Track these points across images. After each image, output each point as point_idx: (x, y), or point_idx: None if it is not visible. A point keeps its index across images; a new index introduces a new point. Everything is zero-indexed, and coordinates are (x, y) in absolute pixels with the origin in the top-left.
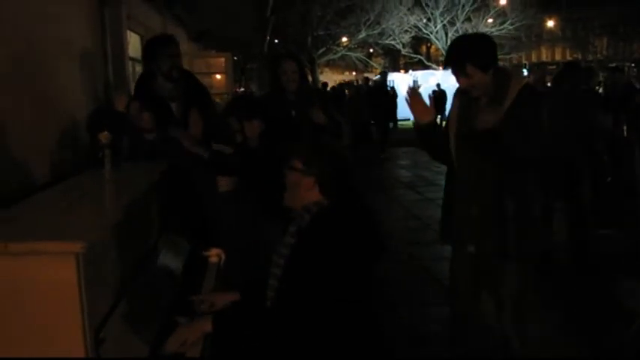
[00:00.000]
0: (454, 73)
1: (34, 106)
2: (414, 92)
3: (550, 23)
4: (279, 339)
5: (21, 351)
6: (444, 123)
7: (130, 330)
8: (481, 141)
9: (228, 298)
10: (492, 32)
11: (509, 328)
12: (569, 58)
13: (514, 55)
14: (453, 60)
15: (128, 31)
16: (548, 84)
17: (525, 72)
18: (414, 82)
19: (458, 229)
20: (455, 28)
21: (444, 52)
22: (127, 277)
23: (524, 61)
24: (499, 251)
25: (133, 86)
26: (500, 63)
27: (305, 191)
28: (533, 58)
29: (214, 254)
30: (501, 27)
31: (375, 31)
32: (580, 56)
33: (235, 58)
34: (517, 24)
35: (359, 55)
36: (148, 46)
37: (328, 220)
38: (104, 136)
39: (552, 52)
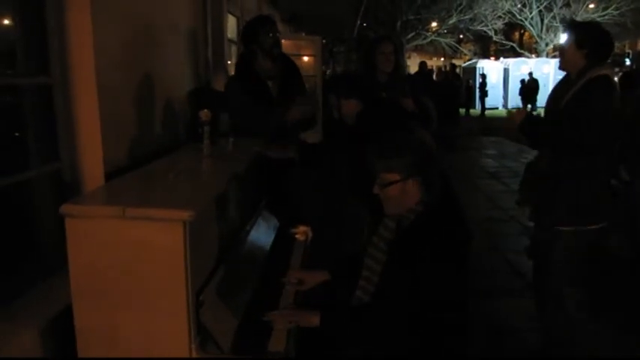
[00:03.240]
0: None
1: (143, 83)
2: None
3: None
4: (379, 338)
5: (130, 305)
6: (534, 112)
7: (225, 295)
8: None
9: (318, 278)
10: (594, 18)
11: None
12: None
13: (617, 44)
14: (567, 22)
15: (227, 14)
16: None
17: (628, 62)
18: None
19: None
20: (552, 14)
21: (538, 40)
22: (224, 247)
23: (627, 50)
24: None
25: (230, 66)
26: None
27: (412, 194)
28: (639, 47)
29: (302, 232)
30: (604, 12)
31: (466, 17)
32: None
33: (324, 40)
34: (623, 8)
35: (449, 40)
36: (248, 27)
37: (433, 220)
38: (204, 114)
39: None
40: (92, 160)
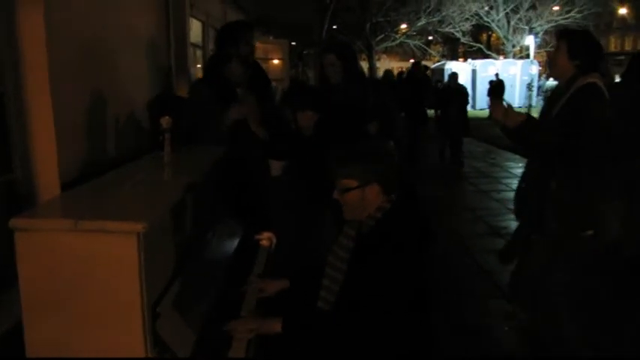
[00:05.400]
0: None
1: (100, 91)
2: (494, 94)
3: (622, 11)
4: (341, 344)
5: (84, 319)
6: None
7: (184, 306)
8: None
9: (278, 286)
10: (558, 20)
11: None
12: None
13: None
14: (560, 30)
15: (190, 18)
16: (617, 77)
17: None
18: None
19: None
20: (518, 16)
21: (505, 41)
22: (183, 256)
23: None
24: (536, 226)
25: (193, 72)
26: None
27: (372, 200)
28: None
29: (266, 237)
30: (567, 15)
31: (434, 19)
32: None
33: (293, 43)
34: (585, 12)
35: (417, 42)
36: (229, 30)
37: (393, 225)
38: (165, 121)
39: (622, 41)
40: (47, 171)
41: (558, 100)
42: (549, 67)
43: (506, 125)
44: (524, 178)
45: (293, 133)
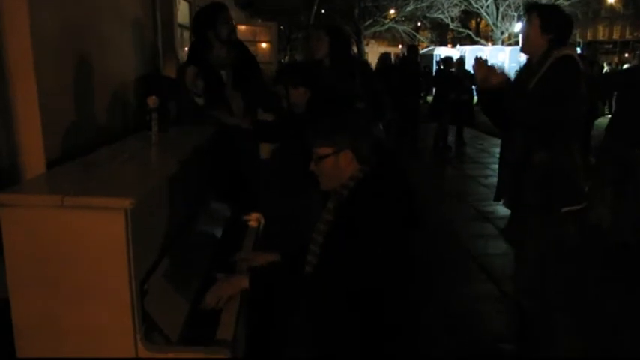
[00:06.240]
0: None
1: (85, 71)
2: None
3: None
4: (313, 303)
5: (71, 296)
6: None
7: (172, 284)
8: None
9: (268, 258)
10: None
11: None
12: (628, 37)
13: None
14: (529, 4)
15: None
16: (605, 65)
17: (579, 50)
18: (485, 60)
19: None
20: (507, 2)
21: (493, 28)
22: (170, 235)
23: (577, 39)
24: (519, 201)
25: (181, 53)
26: None
27: (345, 168)
28: (588, 37)
29: (254, 219)
30: (555, 2)
31: (423, 4)
32: None
33: (281, 27)
34: None
35: (406, 28)
36: (203, 14)
37: (365, 192)
38: (152, 100)
39: (610, 30)
40: (32, 148)
41: (533, 74)
42: (522, 43)
43: (486, 86)
44: (502, 153)
45: (285, 110)
